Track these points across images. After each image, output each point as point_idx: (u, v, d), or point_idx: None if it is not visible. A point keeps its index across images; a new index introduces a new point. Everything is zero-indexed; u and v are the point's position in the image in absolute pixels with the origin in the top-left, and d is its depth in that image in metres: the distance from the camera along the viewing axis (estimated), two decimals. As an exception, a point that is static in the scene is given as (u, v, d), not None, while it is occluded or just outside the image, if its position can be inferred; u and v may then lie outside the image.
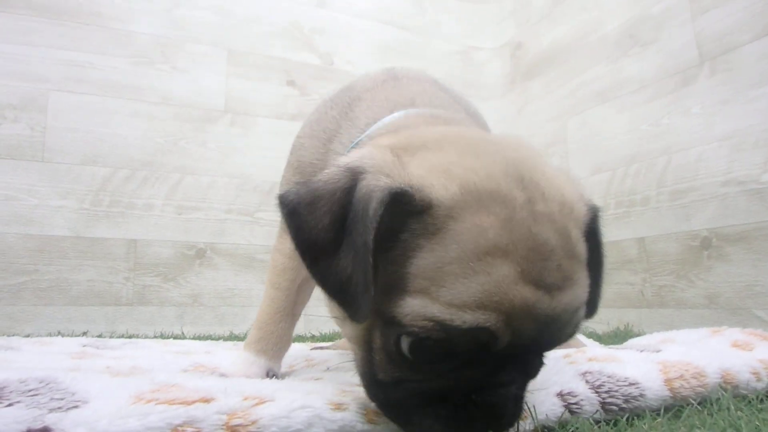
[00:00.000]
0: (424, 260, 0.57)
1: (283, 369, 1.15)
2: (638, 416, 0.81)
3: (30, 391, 0.66)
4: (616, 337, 1.86)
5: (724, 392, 0.87)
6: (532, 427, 0.74)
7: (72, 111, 2.21)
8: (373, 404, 0.68)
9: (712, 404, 0.84)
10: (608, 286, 2.22)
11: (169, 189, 2.31)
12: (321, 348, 1.64)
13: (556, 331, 0.60)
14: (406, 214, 0.58)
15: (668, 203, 1.94)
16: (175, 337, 1.98)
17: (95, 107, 2.25)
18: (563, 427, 0.76)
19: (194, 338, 1.99)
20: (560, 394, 0.80)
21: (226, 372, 1.08)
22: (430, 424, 0.60)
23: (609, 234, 2.18)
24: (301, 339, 2.07)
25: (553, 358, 1.01)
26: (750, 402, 0.86)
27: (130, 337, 1.97)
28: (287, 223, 0.62)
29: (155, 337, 1.99)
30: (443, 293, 0.55)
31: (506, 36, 2.94)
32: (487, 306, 0.55)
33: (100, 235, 2.19)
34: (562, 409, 0.78)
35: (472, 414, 0.59)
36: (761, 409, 0.84)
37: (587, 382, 0.83)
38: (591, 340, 1.59)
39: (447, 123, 0.80)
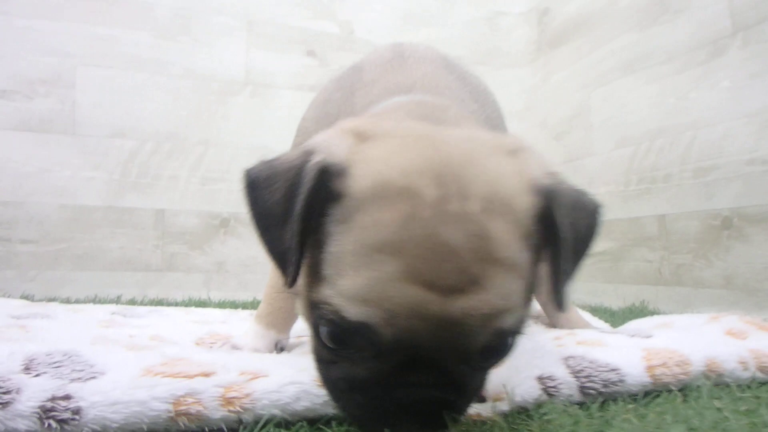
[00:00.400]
0: (332, 248, 0.59)
1: (292, 340, 1.22)
2: (615, 401, 0.84)
3: (55, 363, 0.75)
4: (631, 313, 1.87)
5: (707, 381, 0.89)
6: (507, 408, 0.79)
7: (99, 85, 2.29)
8: None
9: (692, 391, 0.87)
10: (626, 262, 2.22)
11: (193, 161, 2.38)
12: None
13: (462, 336, 0.58)
14: (330, 198, 0.60)
15: (691, 181, 1.91)
16: (201, 303, 2.07)
17: (121, 81, 2.32)
18: (539, 408, 0.80)
19: (219, 303, 2.09)
20: (540, 378, 0.83)
21: (238, 342, 1.15)
22: (352, 409, 0.64)
23: (629, 210, 2.17)
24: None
25: (541, 340, 1.05)
26: (732, 391, 0.88)
27: (159, 302, 2.07)
28: (246, 195, 0.66)
29: (182, 301, 2.09)
30: (340, 284, 0.58)
31: (533, 0, 2.87)
32: (369, 301, 0.56)
33: (129, 205, 2.29)
34: (540, 392, 0.82)
35: (390, 410, 0.60)
36: (740, 398, 0.86)
37: (568, 366, 0.86)
38: (596, 318, 1.61)
39: (431, 112, 0.78)
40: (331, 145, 0.63)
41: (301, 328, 1.40)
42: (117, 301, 2.01)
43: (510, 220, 0.59)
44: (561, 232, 0.62)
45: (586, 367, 0.86)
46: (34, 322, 1.20)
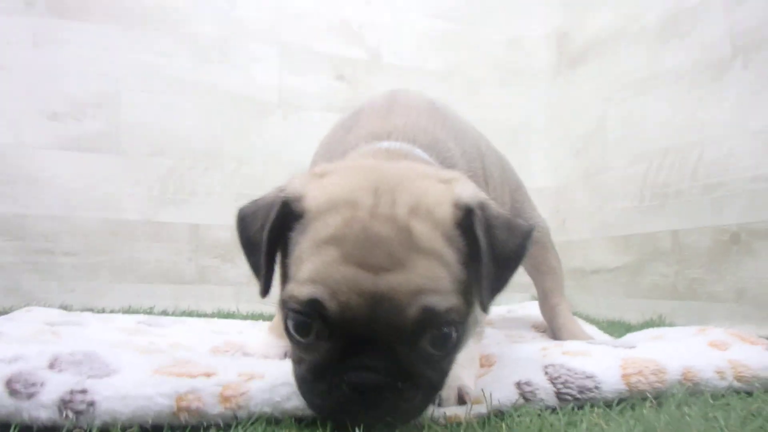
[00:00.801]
0: (296, 251, 0.76)
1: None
2: (591, 406, 0.89)
3: (76, 361, 0.84)
4: (649, 327, 1.88)
5: (681, 389, 0.92)
6: (485, 410, 0.85)
7: (142, 107, 2.44)
8: None
9: (668, 399, 0.91)
10: (643, 276, 2.24)
11: (227, 177, 2.51)
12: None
13: (392, 311, 0.69)
14: (294, 218, 0.77)
15: (700, 197, 1.93)
16: (229, 315, 2.18)
17: (162, 103, 2.47)
18: (516, 411, 0.86)
19: (246, 315, 2.19)
20: (518, 383, 0.90)
21: (250, 350, 1.25)
22: (311, 398, 0.75)
23: (644, 225, 2.19)
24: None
25: (530, 350, 1.10)
26: (706, 399, 0.92)
27: (189, 313, 2.19)
28: (237, 228, 0.83)
29: (211, 313, 2.20)
30: (297, 274, 0.73)
31: (553, 24, 2.93)
32: (316, 281, 0.70)
33: (166, 219, 2.42)
34: (517, 396, 0.88)
35: (345, 395, 0.70)
36: (712, 405, 0.90)
37: (546, 373, 0.92)
38: (600, 331, 1.64)
39: (392, 155, 0.95)
40: (295, 182, 0.80)
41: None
42: (150, 312, 2.12)
43: (431, 222, 0.74)
44: (480, 241, 0.74)
45: (563, 374, 0.92)
46: (66, 329, 1.31)
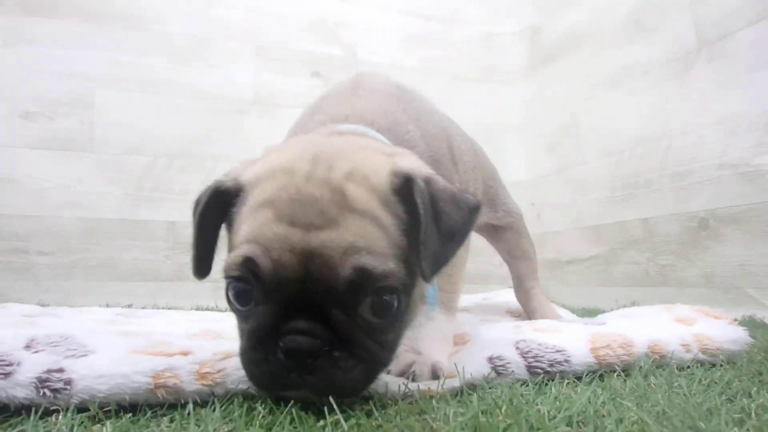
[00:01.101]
0: (235, 222, 0.77)
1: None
2: (562, 378, 0.92)
3: (52, 343, 0.85)
4: (622, 315, 1.93)
5: (648, 361, 0.96)
6: (458, 384, 0.87)
7: (116, 106, 2.43)
8: None
9: (635, 371, 0.94)
10: (616, 265, 2.28)
11: (204, 176, 2.50)
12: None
13: (324, 268, 0.68)
14: (234, 197, 0.78)
15: (669, 185, 1.98)
16: (208, 310, 2.17)
17: (137, 103, 2.46)
18: (488, 384, 0.88)
19: (226, 310, 2.18)
20: (490, 358, 0.92)
21: (229, 336, 1.25)
22: (251, 369, 0.73)
23: (616, 214, 2.24)
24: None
25: (503, 329, 1.13)
26: (672, 370, 0.95)
27: (169, 309, 2.18)
28: (192, 212, 0.84)
29: (191, 309, 2.20)
30: (236, 239, 0.74)
31: (526, 20, 2.98)
32: (251, 240, 0.71)
33: (142, 217, 2.41)
34: (489, 370, 0.90)
35: (278, 361, 0.69)
36: (678, 375, 0.93)
37: (518, 348, 0.94)
38: (570, 313, 1.68)
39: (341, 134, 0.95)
40: (234, 169, 0.82)
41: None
42: (129, 307, 2.11)
43: (366, 186, 0.74)
44: (419, 208, 0.74)
45: (533, 349, 0.94)
46: (43, 319, 1.31)
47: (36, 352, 0.80)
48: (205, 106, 2.56)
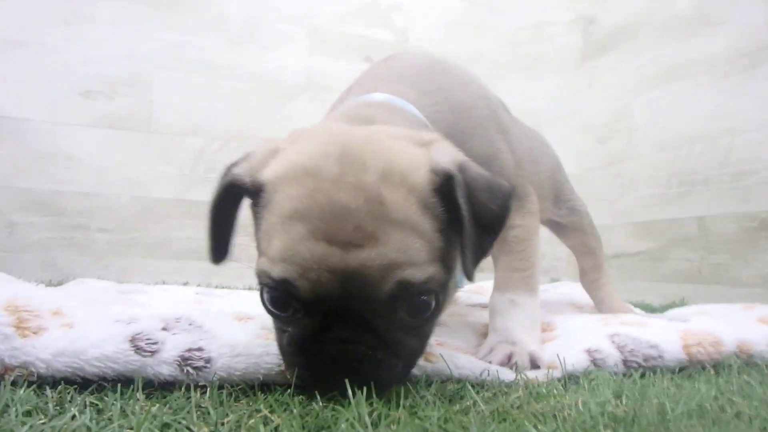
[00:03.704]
0: (263, 226, 0.73)
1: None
2: (654, 373, 0.96)
3: (184, 328, 0.89)
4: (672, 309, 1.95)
5: (738, 360, 0.99)
6: (560, 375, 0.91)
7: (173, 87, 2.48)
8: None
9: (724, 369, 0.97)
10: (666, 261, 2.30)
11: (256, 158, 2.55)
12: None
13: (366, 287, 0.66)
14: (254, 193, 0.75)
15: (729, 184, 1.99)
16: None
17: (192, 83, 2.50)
18: (587, 376, 0.92)
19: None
20: (588, 350, 0.96)
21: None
22: (298, 372, 0.73)
23: (670, 212, 2.25)
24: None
25: (589, 320, 1.16)
26: (761, 369, 0.98)
27: (223, 288, 2.24)
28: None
29: (244, 289, 2.25)
30: (268, 250, 0.70)
31: (579, 10, 2.96)
32: (286, 259, 0.67)
33: (197, 198, 2.47)
34: (588, 362, 0.94)
35: (326, 367, 0.69)
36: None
37: (613, 342, 0.98)
38: (638, 309, 1.71)
39: (364, 117, 0.89)
40: (251, 159, 0.78)
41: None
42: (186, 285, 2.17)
43: (405, 189, 0.69)
44: (461, 209, 0.71)
45: (628, 343, 0.98)
46: (136, 296, 1.36)
47: (174, 334, 0.85)
48: (259, 88, 2.59)
